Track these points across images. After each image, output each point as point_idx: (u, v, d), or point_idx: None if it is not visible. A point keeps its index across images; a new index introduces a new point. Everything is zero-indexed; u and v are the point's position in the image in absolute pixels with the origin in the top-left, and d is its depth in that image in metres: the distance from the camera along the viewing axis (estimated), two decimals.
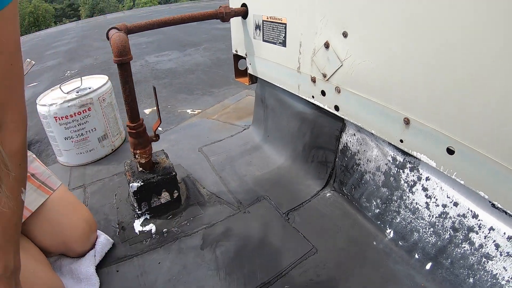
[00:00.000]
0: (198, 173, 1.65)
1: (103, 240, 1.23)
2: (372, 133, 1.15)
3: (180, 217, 1.36)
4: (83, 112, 1.82)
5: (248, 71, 1.81)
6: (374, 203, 1.22)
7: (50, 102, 1.75)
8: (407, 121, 0.96)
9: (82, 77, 2.04)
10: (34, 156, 1.16)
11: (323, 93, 1.28)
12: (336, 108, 1.24)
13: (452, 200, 0.96)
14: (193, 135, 2.10)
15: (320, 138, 1.45)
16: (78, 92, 1.85)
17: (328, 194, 1.40)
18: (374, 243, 1.15)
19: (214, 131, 2.12)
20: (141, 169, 1.34)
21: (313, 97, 1.35)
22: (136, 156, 1.30)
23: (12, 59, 0.76)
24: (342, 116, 1.24)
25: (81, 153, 1.89)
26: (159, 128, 2.29)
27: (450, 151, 0.86)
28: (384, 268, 1.06)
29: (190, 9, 15.28)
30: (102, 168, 1.85)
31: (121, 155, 1.98)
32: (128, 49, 1.14)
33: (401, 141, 1.01)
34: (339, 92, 1.20)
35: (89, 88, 1.90)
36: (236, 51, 1.83)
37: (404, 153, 1.09)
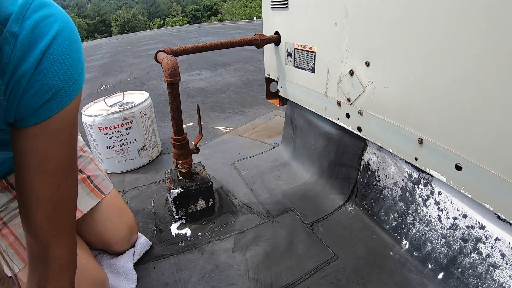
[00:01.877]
0: (231, 185, 1.78)
1: (143, 241, 1.36)
2: (390, 152, 1.26)
3: (214, 223, 1.49)
4: (126, 124, 1.97)
5: (280, 94, 1.93)
6: (392, 216, 1.32)
7: (95, 113, 1.90)
8: (420, 141, 1.07)
9: (124, 92, 2.21)
10: (91, 156, 1.27)
11: (347, 115, 1.39)
12: (359, 129, 1.35)
13: (462, 213, 1.06)
14: (226, 151, 2.23)
15: (344, 156, 1.56)
16: (121, 106, 2.00)
17: (350, 208, 1.50)
18: (391, 253, 1.25)
19: (245, 148, 2.25)
20: (181, 178, 1.49)
21: (338, 119, 1.46)
22: (178, 166, 1.44)
23: (60, 180, 0.64)
24: (364, 136, 1.35)
25: (121, 161, 2.04)
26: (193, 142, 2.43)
27: (459, 168, 0.97)
28: (399, 276, 1.15)
29: (218, 29, 15.51)
30: (140, 176, 2.00)
31: (157, 166, 2.13)
32: (178, 71, 1.29)
33: (416, 159, 1.12)
34: (361, 114, 1.31)
35: (131, 103, 2.04)
36: (269, 75, 1.97)
37: (418, 169, 1.20)
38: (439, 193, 1.13)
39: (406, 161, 1.23)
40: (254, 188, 1.73)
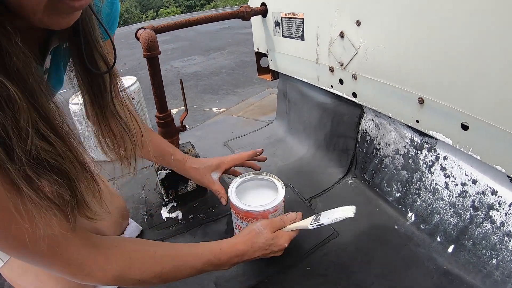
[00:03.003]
0: None
1: (133, 227, 1.28)
2: (389, 117, 1.17)
3: (206, 204, 1.41)
4: None
5: (270, 67, 1.86)
6: (395, 187, 1.23)
7: (82, 101, 1.82)
8: (421, 101, 0.98)
9: None
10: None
11: (341, 81, 1.31)
12: (354, 95, 1.27)
13: (471, 178, 0.97)
14: (219, 131, 2.16)
15: (341, 126, 1.48)
16: None
17: (349, 181, 1.42)
18: (396, 227, 1.17)
19: (238, 127, 2.17)
20: None
21: (332, 86, 1.38)
22: None
23: None
24: (360, 103, 1.27)
25: None
26: (186, 125, 2.35)
27: (465, 127, 0.87)
28: (405, 252, 1.07)
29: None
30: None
31: None
32: (157, 44, 1.22)
33: (417, 121, 1.03)
34: (355, 79, 1.22)
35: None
36: (258, 49, 1.88)
37: (421, 134, 1.10)
38: (445, 158, 1.04)
39: (406, 125, 1.14)
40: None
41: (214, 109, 2.58)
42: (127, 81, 2.11)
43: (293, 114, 1.84)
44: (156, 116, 1.33)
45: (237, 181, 1.14)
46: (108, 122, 0.77)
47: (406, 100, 1.04)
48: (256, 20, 1.77)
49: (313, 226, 0.95)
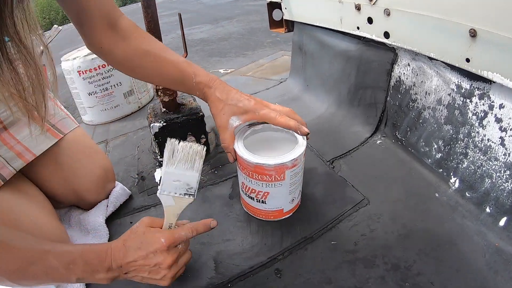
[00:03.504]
0: None
1: (119, 190, 1.09)
2: (430, 58, 0.94)
3: (208, 165, 1.19)
4: (108, 65, 1.71)
5: (284, 18, 1.66)
6: (435, 146, 1.01)
7: (73, 57, 1.67)
8: (473, 33, 0.76)
9: None
10: (51, 95, 1.00)
11: (369, 20, 1.09)
12: (386, 35, 1.05)
13: None
14: None
15: (368, 76, 1.25)
16: None
17: (378, 141, 1.19)
18: (436, 194, 0.95)
19: (248, 86, 1.95)
20: (164, 109, 1.18)
21: (358, 28, 1.16)
22: (159, 94, 1.14)
23: None
24: (393, 44, 1.05)
25: (105, 109, 1.78)
26: None
27: None
28: (449, 224, 0.86)
29: None
30: (127, 124, 1.73)
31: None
32: None
33: (467, 60, 0.80)
34: (388, 14, 1.00)
35: None
36: None
37: (471, 77, 0.88)
38: (501, 106, 0.81)
39: (452, 67, 0.91)
40: None
41: (221, 70, 2.37)
42: None
43: (311, 69, 1.62)
44: None
45: (244, 129, 0.91)
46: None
47: (454, 34, 0.82)
48: None
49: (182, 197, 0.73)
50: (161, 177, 0.71)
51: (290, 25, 1.70)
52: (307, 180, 1.04)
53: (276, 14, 1.71)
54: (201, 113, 1.16)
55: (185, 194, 0.72)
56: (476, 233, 0.82)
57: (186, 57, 1.14)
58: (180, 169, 0.71)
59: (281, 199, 0.88)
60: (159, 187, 0.71)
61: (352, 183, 1.03)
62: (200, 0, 11.86)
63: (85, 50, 1.73)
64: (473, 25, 0.76)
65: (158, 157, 1.21)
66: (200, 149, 0.72)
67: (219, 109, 0.87)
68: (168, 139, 0.71)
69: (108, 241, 0.95)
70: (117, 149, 1.46)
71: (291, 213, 0.94)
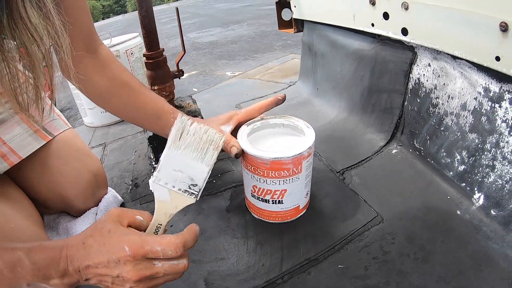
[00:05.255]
0: None
1: (109, 197, 1.02)
2: (454, 57, 0.86)
3: None
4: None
5: (293, 17, 1.61)
6: (458, 157, 0.91)
7: None
8: (504, 27, 0.67)
9: (112, 37, 1.89)
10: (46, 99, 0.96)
11: (385, 16, 1.01)
12: (404, 31, 0.97)
13: None
14: (231, 94, 1.89)
15: (383, 78, 1.16)
16: None
17: (394, 150, 1.09)
18: (458, 212, 0.85)
19: (255, 89, 1.89)
20: None
21: (372, 25, 1.08)
22: None
23: None
24: (412, 42, 0.97)
25: (105, 111, 1.71)
26: (194, 89, 2.10)
27: None
28: (473, 246, 0.75)
29: None
30: (126, 127, 1.67)
31: None
32: None
33: (497, 58, 0.72)
34: (406, 8, 0.93)
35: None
36: None
37: (500, 78, 0.78)
38: None
39: (480, 67, 0.82)
40: None
41: (229, 73, 2.33)
42: (127, 36, 1.92)
43: (321, 71, 1.54)
44: (144, 55, 1.04)
45: (244, 130, 0.85)
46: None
47: (482, 29, 0.74)
48: None
49: (179, 193, 0.59)
50: (159, 161, 0.58)
51: (299, 24, 1.65)
52: (314, 193, 0.95)
53: (285, 14, 1.66)
54: (199, 116, 1.08)
55: (185, 191, 0.58)
56: (502, 257, 0.72)
57: (183, 55, 1.07)
58: (186, 156, 0.58)
59: (297, 195, 0.84)
60: (154, 173, 0.58)
61: (364, 197, 0.94)
62: (212, 5, 11.99)
63: None
64: (505, 17, 0.68)
65: (153, 163, 1.13)
66: (217, 138, 0.60)
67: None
68: (179, 116, 0.59)
69: None
70: (114, 153, 1.41)
71: (305, 210, 0.90)
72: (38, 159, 0.91)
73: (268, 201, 0.83)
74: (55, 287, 0.53)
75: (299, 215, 0.88)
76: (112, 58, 0.88)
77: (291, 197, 0.82)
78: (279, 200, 0.82)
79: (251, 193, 0.86)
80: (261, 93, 1.77)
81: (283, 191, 0.80)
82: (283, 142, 0.85)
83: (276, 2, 1.64)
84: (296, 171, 0.77)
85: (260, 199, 0.84)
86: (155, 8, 1.04)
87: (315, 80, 1.59)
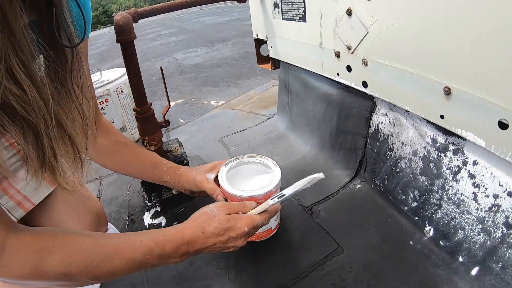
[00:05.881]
0: None
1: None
2: (406, 111, 0.99)
3: (193, 210, 1.23)
4: (100, 104, 1.79)
5: (270, 55, 1.70)
6: (411, 195, 1.05)
7: None
8: (448, 91, 0.79)
9: (102, 71, 1.99)
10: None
11: (348, 68, 1.13)
12: (364, 84, 1.09)
13: (506, 189, 0.78)
14: (215, 126, 2.01)
15: (348, 121, 1.30)
16: (96, 85, 1.82)
17: (358, 186, 1.24)
18: (411, 242, 0.99)
19: (237, 121, 2.02)
20: None
21: (338, 74, 1.21)
22: (145, 144, 1.21)
23: None
24: (371, 93, 1.09)
25: None
26: (181, 120, 2.22)
27: (503, 125, 0.69)
28: (422, 272, 0.90)
29: (221, 9, 15.19)
30: None
31: None
32: (131, 27, 1.09)
33: (442, 117, 0.84)
34: (366, 65, 1.04)
35: (107, 80, 1.87)
36: (257, 35, 1.72)
37: (445, 132, 0.92)
38: (475, 163, 0.86)
39: (428, 122, 0.95)
40: None
41: (213, 102, 2.44)
42: (117, 73, 1.96)
43: (296, 107, 1.67)
44: (134, 110, 1.18)
45: (223, 170, 1.02)
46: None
47: (429, 90, 0.85)
48: (254, 2, 1.61)
49: (274, 201, 0.85)
50: (283, 192, 0.85)
51: (276, 62, 1.74)
52: (285, 227, 1.09)
53: (264, 50, 1.76)
54: (185, 162, 1.22)
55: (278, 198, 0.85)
56: (446, 281, 0.86)
57: (169, 109, 1.21)
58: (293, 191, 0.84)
59: (270, 221, 0.98)
60: (275, 197, 0.85)
61: (329, 230, 1.08)
62: (199, 19, 11.99)
63: None
64: (448, 83, 0.79)
65: (147, 201, 1.26)
66: (315, 181, 0.85)
67: (194, 174, 1.05)
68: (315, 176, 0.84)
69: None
70: (110, 187, 1.51)
71: (275, 231, 1.08)
72: (46, 203, 1.01)
73: None
74: (172, 263, 0.73)
75: (271, 235, 1.05)
76: (111, 124, 1.02)
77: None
78: None
79: None
80: (242, 126, 1.90)
81: None
82: (256, 180, 1.03)
83: (255, 39, 1.75)
84: None
85: None
86: (140, 21, 1.18)
87: (291, 115, 1.72)
